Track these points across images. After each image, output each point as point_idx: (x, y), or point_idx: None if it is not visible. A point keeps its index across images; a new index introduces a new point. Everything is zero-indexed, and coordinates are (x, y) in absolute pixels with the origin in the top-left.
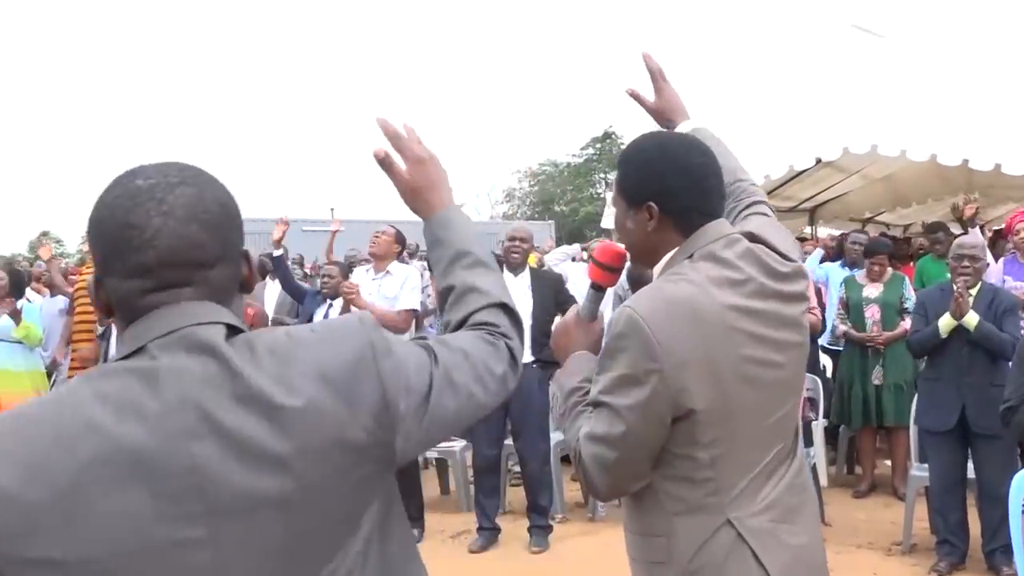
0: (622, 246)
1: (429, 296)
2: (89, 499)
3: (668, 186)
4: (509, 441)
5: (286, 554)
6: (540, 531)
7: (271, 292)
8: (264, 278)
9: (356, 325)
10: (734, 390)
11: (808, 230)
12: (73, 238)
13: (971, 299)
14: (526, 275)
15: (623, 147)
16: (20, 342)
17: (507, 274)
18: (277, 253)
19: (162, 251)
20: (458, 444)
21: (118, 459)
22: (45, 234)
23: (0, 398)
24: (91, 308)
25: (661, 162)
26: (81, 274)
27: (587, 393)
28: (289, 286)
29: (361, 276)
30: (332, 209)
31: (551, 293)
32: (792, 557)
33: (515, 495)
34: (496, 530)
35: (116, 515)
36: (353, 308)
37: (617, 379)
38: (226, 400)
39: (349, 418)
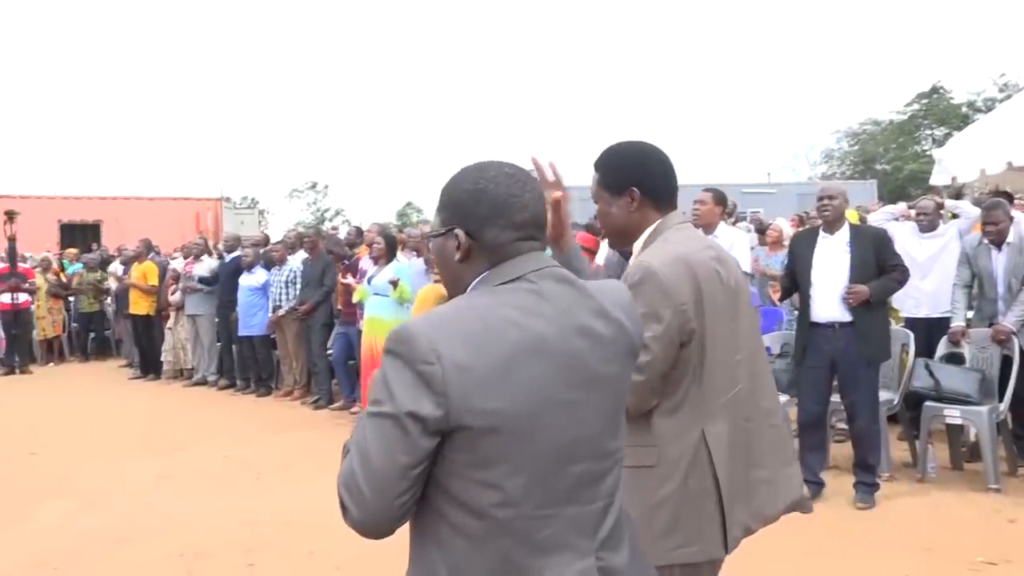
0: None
1: (756, 259)
2: (516, 368)
3: (646, 174)
4: (834, 398)
5: (613, 417)
6: (866, 488)
7: (600, 254)
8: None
9: (620, 284)
10: (715, 327)
11: None
12: (432, 208)
13: None
14: (844, 231)
15: (944, 99)
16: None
17: (823, 233)
18: None
19: (533, 214)
20: (781, 399)
21: (532, 343)
22: (409, 204)
23: (375, 343)
24: None
25: (639, 156)
26: None
27: None
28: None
29: None
30: None
31: (871, 249)
32: (733, 462)
33: (838, 451)
34: (820, 484)
35: (533, 379)
36: None
37: (640, 317)
38: (586, 312)
39: (636, 333)
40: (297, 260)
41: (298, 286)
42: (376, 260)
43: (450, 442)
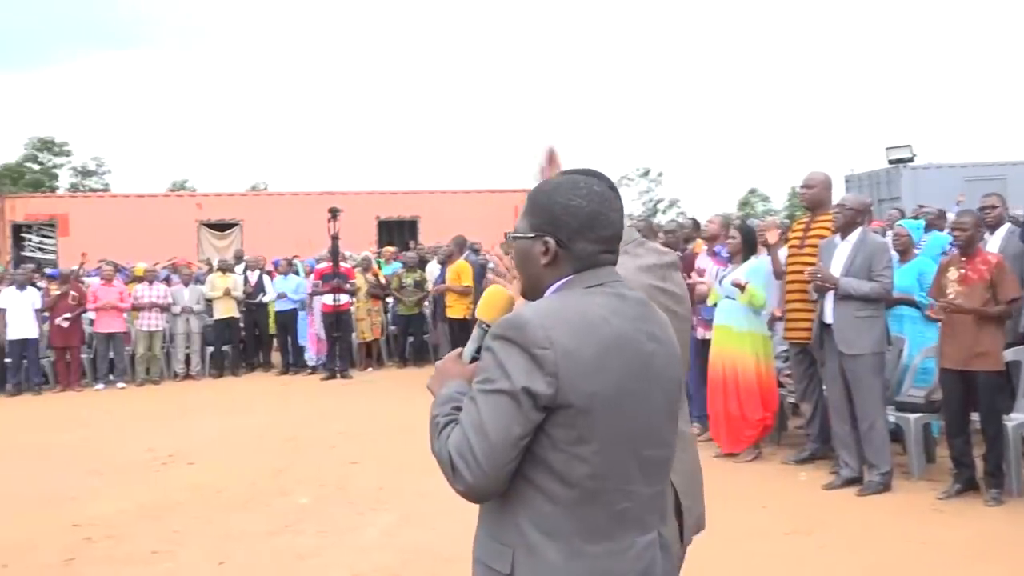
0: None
1: None
2: (608, 358)
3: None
4: None
5: (672, 413)
6: None
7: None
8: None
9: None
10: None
11: None
12: (779, 195)
13: None
14: None
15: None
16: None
17: None
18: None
19: (616, 230)
20: None
21: (619, 338)
22: (753, 192)
23: (722, 353)
24: (801, 269)
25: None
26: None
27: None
28: None
29: None
30: None
31: None
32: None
33: None
34: None
35: (619, 369)
36: None
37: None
38: (649, 321)
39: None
40: None
41: None
42: (732, 257)
43: (552, 419)
